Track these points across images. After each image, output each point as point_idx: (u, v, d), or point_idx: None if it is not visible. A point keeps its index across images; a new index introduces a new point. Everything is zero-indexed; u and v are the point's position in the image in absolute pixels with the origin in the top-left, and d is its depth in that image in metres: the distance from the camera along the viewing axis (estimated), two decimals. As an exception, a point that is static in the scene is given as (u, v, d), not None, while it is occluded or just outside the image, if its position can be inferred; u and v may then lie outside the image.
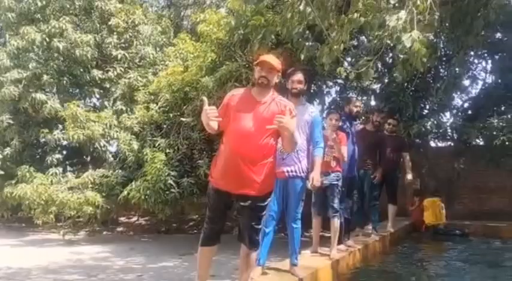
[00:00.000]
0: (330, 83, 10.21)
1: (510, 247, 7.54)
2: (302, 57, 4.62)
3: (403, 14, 3.33)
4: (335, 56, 4.03)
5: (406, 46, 3.24)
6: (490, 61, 9.60)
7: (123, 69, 10.62)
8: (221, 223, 3.19)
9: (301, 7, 4.01)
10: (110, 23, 10.72)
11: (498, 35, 8.85)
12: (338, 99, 9.92)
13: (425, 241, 8.22)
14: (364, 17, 3.80)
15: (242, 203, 3.00)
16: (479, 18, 5.70)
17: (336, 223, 5.05)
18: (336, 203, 4.99)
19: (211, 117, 2.96)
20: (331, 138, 4.85)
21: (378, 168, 6.55)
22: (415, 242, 8.10)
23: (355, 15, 3.84)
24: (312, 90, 9.57)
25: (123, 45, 10.99)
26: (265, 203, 3.13)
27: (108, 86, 10.91)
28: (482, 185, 10.45)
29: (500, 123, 7.68)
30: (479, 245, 7.79)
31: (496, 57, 9.31)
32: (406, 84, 8.57)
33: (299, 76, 4.08)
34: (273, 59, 3.13)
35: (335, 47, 3.85)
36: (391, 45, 3.90)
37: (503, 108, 8.75)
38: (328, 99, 10.19)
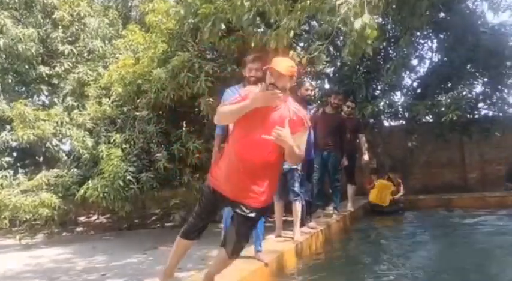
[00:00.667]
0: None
1: (462, 217, 7.95)
2: (253, 44, 4.61)
3: (353, -2, 3.38)
4: (287, 42, 4.05)
5: (357, 29, 3.29)
6: (435, 40, 9.97)
7: (71, 64, 10.25)
8: (208, 220, 3.08)
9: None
10: (53, 16, 10.27)
11: (441, 14, 9.18)
12: (293, 84, 9.99)
13: (383, 217, 8.51)
14: (315, 3, 3.83)
15: (238, 211, 2.86)
16: (423, -1, 5.90)
17: (297, 206, 5.14)
18: (296, 187, 5.07)
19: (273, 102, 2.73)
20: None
21: (340, 150, 6.72)
22: (374, 219, 8.37)
23: (307, 2, 3.86)
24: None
25: (70, 39, 10.57)
26: (261, 216, 3.06)
27: (56, 82, 10.50)
28: (433, 160, 10.95)
29: (448, 100, 8.01)
30: (434, 216, 8.17)
31: (441, 36, 9.67)
32: (357, 66, 8.76)
33: (257, 64, 3.79)
34: (282, 65, 2.83)
35: (284, 33, 3.87)
36: (342, 29, 3.96)
37: (449, 85, 9.12)
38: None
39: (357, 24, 3.29)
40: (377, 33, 3.42)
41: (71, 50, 10.24)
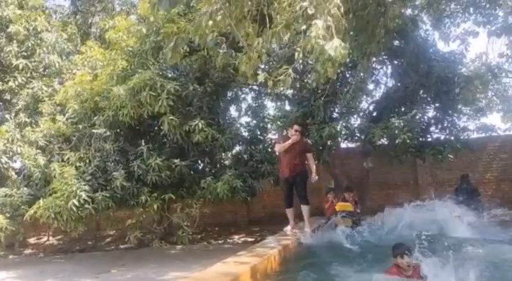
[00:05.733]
0: (246, 90, 10.38)
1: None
2: (217, 64, 4.64)
3: (320, 23, 3.46)
4: (256, 64, 4.09)
5: (331, 54, 3.37)
6: (390, 66, 10.35)
7: (25, 79, 9.93)
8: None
9: (219, 17, 4.02)
10: (8, 30, 9.96)
11: (396, 42, 9.59)
12: (254, 105, 10.10)
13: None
14: (287, 29, 3.90)
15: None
16: (380, 26, 6.13)
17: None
18: None
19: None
20: None
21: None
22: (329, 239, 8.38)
23: (278, 27, 3.91)
24: (228, 97, 9.66)
25: (25, 53, 10.27)
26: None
27: (8, 97, 10.12)
28: (389, 181, 11.24)
29: (401, 123, 8.30)
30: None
31: (396, 62, 10.07)
32: (316, 89, 8.95)
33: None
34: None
35: (254, 55, 3.92)
36: (302, 53, 4.03)
37: (403, 109, 9.47)
38: (244, 106, 10.34)
39: (329, 47, 3.37)
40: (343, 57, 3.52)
41: (26, 64, 9.94)
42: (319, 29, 3.41)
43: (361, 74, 8.80)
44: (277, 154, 6.74)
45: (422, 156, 9.32)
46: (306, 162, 6.76)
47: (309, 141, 7.87)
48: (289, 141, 6.28)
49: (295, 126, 7.12)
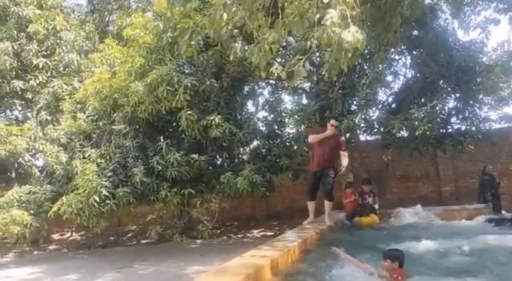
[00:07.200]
0: (262, 84, 10.35)
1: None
2: (232, 57, 4.63)
3: (334, 12, 3.42)
4: (268, 57, 4.06)
5: (348, 40, 3.33)
6: (409, 57, 10.18)
7: (46, 78, 10.10)
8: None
9: (233, 8, 4.00)
10: (28, 29, 10.15)
11: (415, 32, 9.43)
12: (271, 99, 10.06)
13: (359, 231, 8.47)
14: (296, 18, 3.86)
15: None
16: (397, 16, 6.04)
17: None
18: None
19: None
20: None
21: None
22: (350, 233, 8.34)
23: (290, 17, 3.89)
24: (245, 92, 9.65)
25: (45, 52, 10.45)
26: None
27: (30, 96, 10.32)
28: (409, 173, 11.07)
29: (421, 114, 8.17)
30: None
31: (414, 52, 9.90)
32: (334, 82, 8.87)
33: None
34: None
35: (266, 47, 3.89)
36: (318, 44, 3.99)
37: (422, 100, 9.31)
38: (261, 100, 10.32)
39: (346, 35, 3.33)
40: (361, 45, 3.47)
41: (46, 63, 10.11)
42: (334, 17, 3.36)
43: (379, 66, 8.68)
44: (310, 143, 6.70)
45: (443, 147, 9.15)
46: (337, 159, 6.74)
47: (343, 138, 7.76)
48: (324, 133, 6.26)
49: (332, 121, 7.10)
